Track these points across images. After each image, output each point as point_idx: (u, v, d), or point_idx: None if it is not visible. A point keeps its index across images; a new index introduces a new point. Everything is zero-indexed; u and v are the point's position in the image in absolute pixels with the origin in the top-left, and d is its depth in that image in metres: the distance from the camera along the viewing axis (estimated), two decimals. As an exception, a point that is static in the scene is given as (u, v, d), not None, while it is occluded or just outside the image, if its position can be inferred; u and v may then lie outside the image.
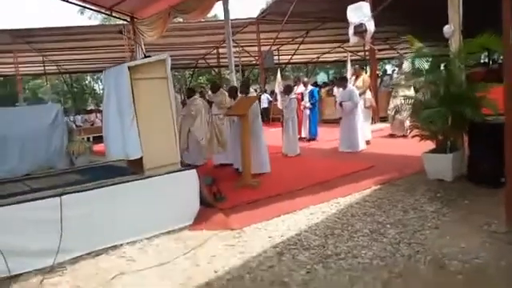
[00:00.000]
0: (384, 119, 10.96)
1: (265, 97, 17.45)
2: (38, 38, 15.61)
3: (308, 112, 10.24)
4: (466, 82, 5.58)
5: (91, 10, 14.87)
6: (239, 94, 6.96)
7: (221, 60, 21.56)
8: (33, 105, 15.51)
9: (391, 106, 8.98)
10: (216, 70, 25.34)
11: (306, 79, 11.28)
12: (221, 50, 20.37)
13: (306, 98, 10.24)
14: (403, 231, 3.80)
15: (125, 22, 13.61)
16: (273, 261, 3.44)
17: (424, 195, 4.84)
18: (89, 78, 37.44)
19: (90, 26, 19.48)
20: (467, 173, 5.23)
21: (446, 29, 5.72)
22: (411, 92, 7.50)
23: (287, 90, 8.68)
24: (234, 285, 3.09)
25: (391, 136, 9.58)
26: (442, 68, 5.83)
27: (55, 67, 20.53)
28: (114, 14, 12.80)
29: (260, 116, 6.89)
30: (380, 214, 4.33)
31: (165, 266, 3.56)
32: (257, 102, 7.00)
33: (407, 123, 8.86)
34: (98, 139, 10.50)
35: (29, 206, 3.62)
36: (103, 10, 13.00)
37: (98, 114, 19.78)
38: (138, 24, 12.47)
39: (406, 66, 9.42)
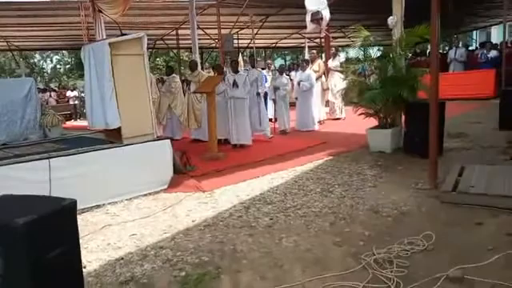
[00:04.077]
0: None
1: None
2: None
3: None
4: (405, 68, 6.44)
5: (47, -15, 14.41)
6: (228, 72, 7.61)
7: (180, 41, 21.52)
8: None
9: (335, 90, 9.80)
10: (175, 51, 25.20)
11: (269, 62, 11.87)
12: (180, 32, 20.36)
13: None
14: (348, 189, 4.60)
15: (82, -1, 13.43)
16: (241, 212, 4.09)
17: (367, 163, 5.68)
18: (38, 56, 35.74)
19: (44, 2, 18.70)
20: (403, 145, 6.13)
21: (390, 20, 6.51)
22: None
23: (281, 71, 9.28)
24: (210, 229, 3.71)
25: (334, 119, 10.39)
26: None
27: (4, 43, 19.60)
28: (72, -10, 12.62)
29: (248, 95, 7.50)
30: (330, 178, 5.11)
31: (147, 219, 4.11)
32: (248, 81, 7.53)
33: (341, 105, 9.86)
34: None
35: (21, 166, 4.00)
36: (61, -14, 12.78)
37: (53, 93, 19.32)
38: (97, 1, 12.40)
39: (342, 56, 10.40)
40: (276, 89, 8.81)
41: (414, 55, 15.18)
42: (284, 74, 9.28)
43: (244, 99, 7.31)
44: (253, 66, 8.10)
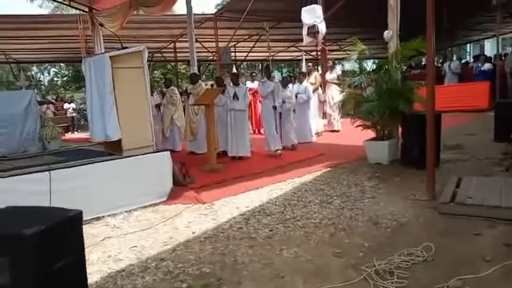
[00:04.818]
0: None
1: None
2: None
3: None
4: (401, 80, 6.54)
5: (48, -2, 14.58)
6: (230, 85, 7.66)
7: (177, 54, 21.69)
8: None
9: (332, 103, 9.92)
10: (172, 64, 25.36)
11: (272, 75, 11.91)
12: (177, 45, 20.54)
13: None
14: (347, 200, 4.63)
15: (81, 12, 13.56)
16: (241, 224, 4.11)
17: (364, 175, 5.72)
18: (35, 68, 35.79)
19: (42, 15, 18.86)
20: (400, 157, 6.19)
21: (386, 34, 6.64)
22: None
23: (284, 84, 9.30)
24: (211, 241, 3.72)
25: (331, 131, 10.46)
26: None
27: (2, 56, 19.66)
28: (72, 4, 12.78)
29: (248, 107, 7.63)
30: (328, 189, 5.15)
31: (147, 230, 4.12)
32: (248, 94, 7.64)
33: (338, 118, 9.96)
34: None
35: (21, 179, 4.01)
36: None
37: (51, 106, 19.32)
38: (96, 15, 12.53)
39: (338, 69, 10.60)
40: (282, 102, 8.81)
41: (408, 68, 15.39)
42: (288, 87, 9.35)
43: (244, 111, 7.38)
44: (268, 78, 8.16)
